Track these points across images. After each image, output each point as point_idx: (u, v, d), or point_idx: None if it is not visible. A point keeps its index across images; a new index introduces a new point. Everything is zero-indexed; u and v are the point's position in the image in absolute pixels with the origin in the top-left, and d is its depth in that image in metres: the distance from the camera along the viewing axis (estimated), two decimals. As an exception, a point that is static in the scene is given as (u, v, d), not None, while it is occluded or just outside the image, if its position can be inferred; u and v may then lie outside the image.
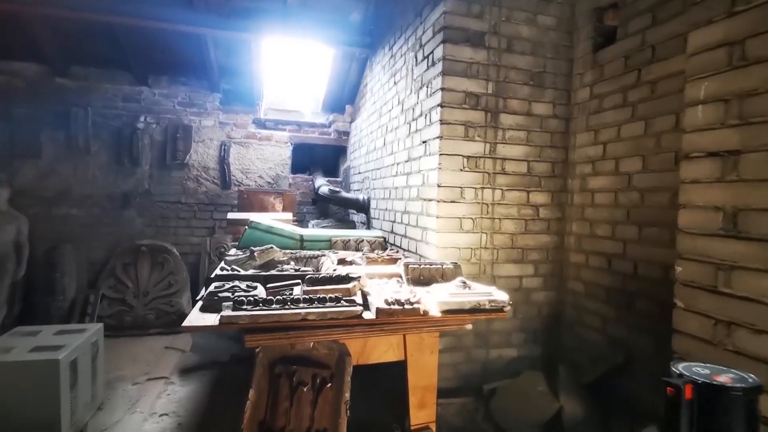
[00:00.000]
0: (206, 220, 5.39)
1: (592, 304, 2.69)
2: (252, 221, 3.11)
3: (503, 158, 2.81)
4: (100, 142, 5.08)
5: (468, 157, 2.75)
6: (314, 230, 3.53)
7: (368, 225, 4.54)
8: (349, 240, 3.34)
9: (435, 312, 1.70)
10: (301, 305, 1.60)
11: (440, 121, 2.69)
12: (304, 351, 1.62)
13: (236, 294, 1.72)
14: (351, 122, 5.80)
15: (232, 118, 5.50)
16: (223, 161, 5.42)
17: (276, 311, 1.53)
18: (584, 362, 2.66)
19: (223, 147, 5.43)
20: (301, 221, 5.44)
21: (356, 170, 5.29)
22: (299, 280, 1.87)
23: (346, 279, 1.86)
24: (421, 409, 1.86)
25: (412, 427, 1.85)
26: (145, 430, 2.93)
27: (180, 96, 5.30)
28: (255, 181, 5.57)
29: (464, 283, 1.89)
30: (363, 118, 5.02)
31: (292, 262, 2.59)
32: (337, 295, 1.68)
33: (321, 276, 1.90)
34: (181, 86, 5.29)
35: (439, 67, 2.73)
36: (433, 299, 1.76)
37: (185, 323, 1.46)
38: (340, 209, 5.65)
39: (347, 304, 1.64)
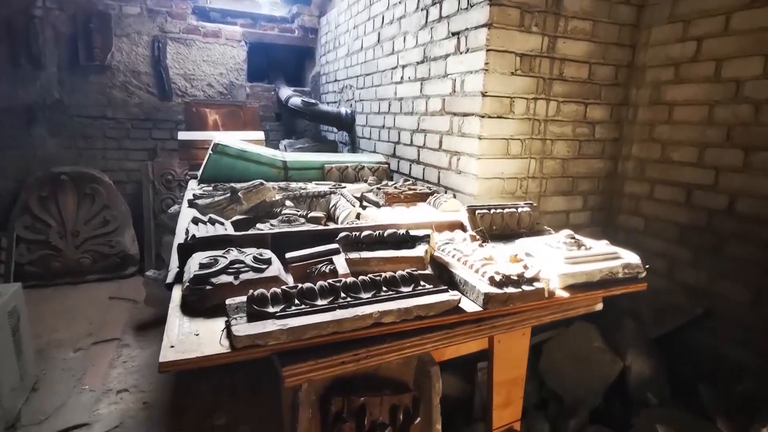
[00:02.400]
0: (144, 140, 4.32)
1: (656, 243, 2.25)
2: (219, 144, 2.27)
3: (563, 58, 2.12)
4: (-20, 34, 3.72)
5: (522, 56, 2.02)
6: (300, 155, 2.74)
7: (353, 146, 3.78)
8: (347, 167, 2.62)
9: (559, 291, 1.12)
10: (363, 297, 0.94)
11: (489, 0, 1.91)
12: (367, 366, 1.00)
13: (242, 276, 1.02)
14: (320, 16, 4.69)
15: (166, 4, 4.20)
16: (158, 63, 4.23)
17: (328, 315, 0.87)
18: (641, 311, 2.28)
19: (156, 44, 4.21)
20: (265, 141, 4.53)
21: (330, 77, 4.35)
22: (336, 245, 1.18)
23: (409, 239, 1.20)
24: (506, 408, 1.37)
25: (494, 431, 1.36)
26: (101, 414, 2.30)
27: (88, -31, 3.90)
28: (203, 91, 4.47)
29: (574, 238, 1.30)
30: (341, 9, 3.98)
31: (289, 203, 1.86)
32: (409, 271, 1.04)
33: (364, 234, 1.22)
34: (88, -46, 3.88)
35: None
36: (549, 270, 1.16)
37: (165, 356, 0.75)
38: (310, 126, 4.76)
39: (433, 288, 1.01)
